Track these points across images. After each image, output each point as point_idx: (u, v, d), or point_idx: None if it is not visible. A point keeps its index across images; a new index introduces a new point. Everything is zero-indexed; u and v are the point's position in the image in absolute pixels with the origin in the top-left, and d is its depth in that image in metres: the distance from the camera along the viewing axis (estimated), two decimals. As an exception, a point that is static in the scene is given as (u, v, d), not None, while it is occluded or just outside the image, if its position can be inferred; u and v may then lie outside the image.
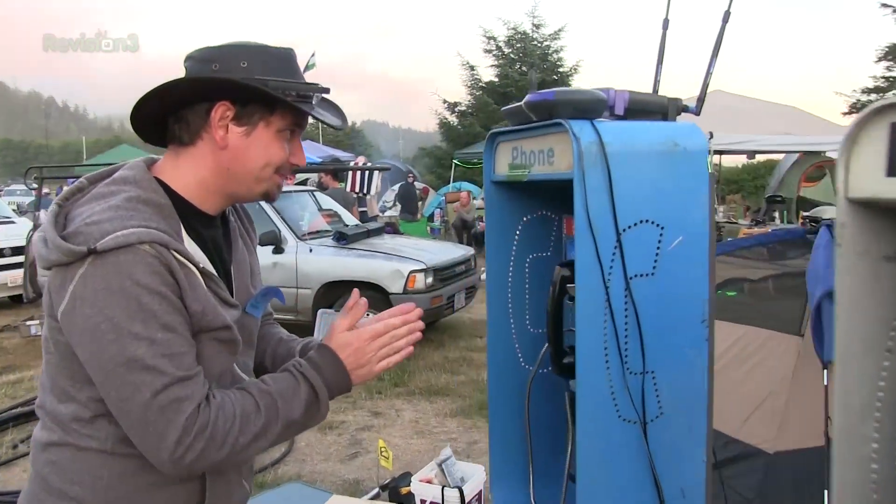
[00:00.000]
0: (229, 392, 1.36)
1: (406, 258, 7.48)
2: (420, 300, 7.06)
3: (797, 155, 13.45)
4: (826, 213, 8.98)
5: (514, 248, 1.92)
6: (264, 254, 7.18)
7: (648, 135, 1.55)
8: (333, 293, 7.43)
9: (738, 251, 4.16)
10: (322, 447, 5.08)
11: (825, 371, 3.17)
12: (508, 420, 1.94)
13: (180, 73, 1.40)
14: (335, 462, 4.85)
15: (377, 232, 8.71)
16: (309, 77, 1.47)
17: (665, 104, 1.63)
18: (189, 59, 1.42)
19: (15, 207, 17.31)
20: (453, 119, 29.30)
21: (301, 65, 1.54)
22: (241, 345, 1.45)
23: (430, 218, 18.55)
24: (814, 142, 11.82)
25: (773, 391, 3.44)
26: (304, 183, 10.80)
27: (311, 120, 1.47)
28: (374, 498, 3.81)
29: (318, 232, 8.14)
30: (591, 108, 1.51)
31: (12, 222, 11.21)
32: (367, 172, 11.40)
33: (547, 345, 1.76)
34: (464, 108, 29.27)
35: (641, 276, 1.50)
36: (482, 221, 16.07)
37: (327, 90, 1.46)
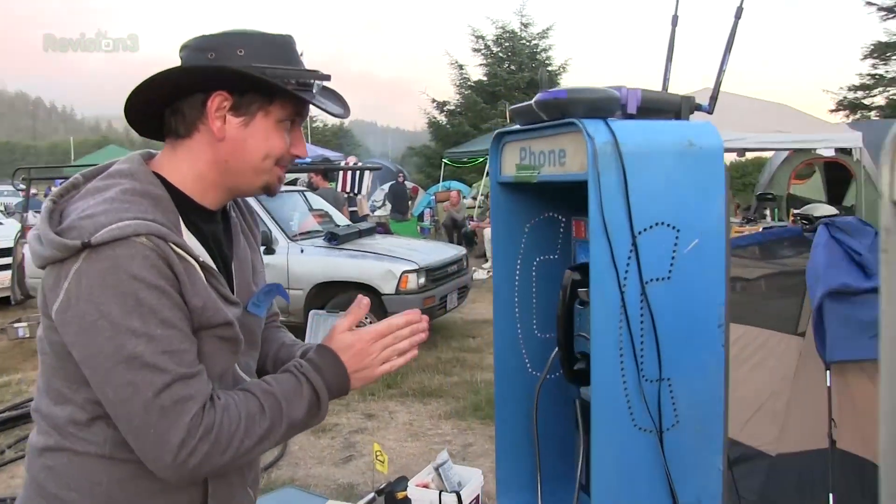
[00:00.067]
0: (232, 393, 1.30)
1: (398, 258, 7.44)
2: (412, 301, 7.02)
3: (787, 152, 13.48)
4: (817, 209, 9.00)
5: (521, 250, 1.87)
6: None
7: (663, 134, 1.50)
8: (325, 294, 7.38)
9: (734, 250, 4.13)
10: (315, 450, 5.02)
11: (828, 372, 3.15)
12: (516, 427, 1.90)
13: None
14: (329, 466, 4.79)
15: (369, 232, 8.67)
16: None
17: (678, 102, 1.59)
18: (184, 48, 1.36)
19: (2, 209, 17.17)
20: (442, 118, 29.35)
21: None
22: (242, 343, 1.39)
23: (420, 217, 18.50)
24: (805, 139, 11.84)
25: (773, 392, 3.41)
26: (293, 183, 10.71)
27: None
28: (370, 503, 3.75)
29: (308, 232, 8.08)
30: (605, 106, 1.46)
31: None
32: (357, 172, 11.35)
33: (555, 350, 1.71)
34: (453, 108, 29.33)
35: (657, 280, 1.46)
36: (472, 220, 16.05)
37: (328, 77, 1.40)
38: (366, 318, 1.49)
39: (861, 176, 11.59)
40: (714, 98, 1.67)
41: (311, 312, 1.75)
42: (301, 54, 1.43)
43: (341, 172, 11.35)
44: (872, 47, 24.38)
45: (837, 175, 13.13)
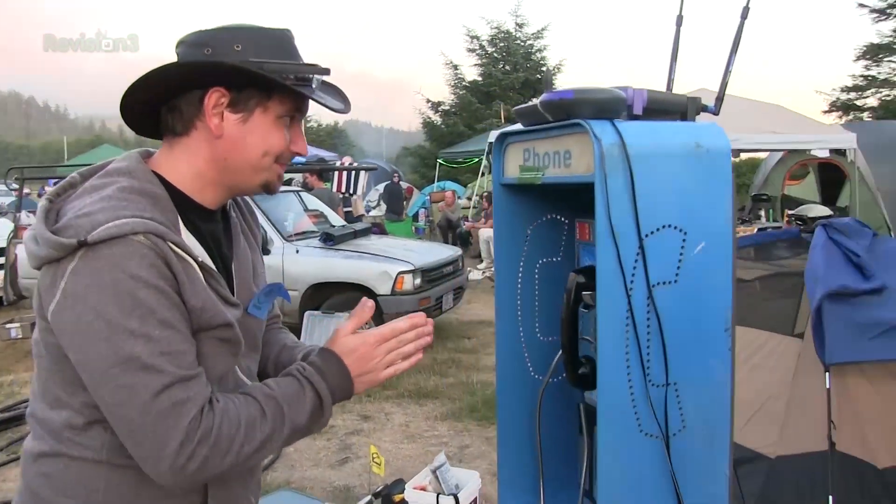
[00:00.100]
0: (232, 396, 1.27)
1: (394, 259, 7.41)
2: (408, 302, 7.00)
3: (781, 153, 13.52)
4: (812, 210, 9.04)
5: (524, 253, 1.85)
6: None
7: (670, 136, 1.48)
8: (320, 295, 7.34)
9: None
10: (311, 452, 4.99)
11: (827, 374, 3.14)
12: (518, 431, 1.88)
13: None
14: (325, 468, 4.77)
15: (364, 233, 8.65)
16: None
17: (684, 103, 1.57)
18: (180, 44, 1.33)
19: (-5, 209, 17.04)
20: (437, 118, 29.35)
21: None
22: (243, 345, 1.36)
23: (415, 218, 18.47)
24: (799, 140, 11.87)
25: (772, 394, 3.40)
26: (288, 183, 10.68)
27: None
28: (367, 505, 3.74)
29: (304, 233, 8.04)
30: (611, 107, 1.44)
31: (-8, 224, 11.03)
32: (352, 172, 11.32)
33: (559, 354, 1.69)
34: (447, 108, 29.33)
35: (664, 283, 1.44)
36: (467, 221, 16.03)
37: (328, 71, 1.36)
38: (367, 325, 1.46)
39: (855, 177, 11.61)
40: (720, 99, 1.66)
41: (307, 313, 1.73)
42: None
43: (336, 172, 11.32)
44: (865, 49, 24.48)
45: (832, 176, 13.17)
